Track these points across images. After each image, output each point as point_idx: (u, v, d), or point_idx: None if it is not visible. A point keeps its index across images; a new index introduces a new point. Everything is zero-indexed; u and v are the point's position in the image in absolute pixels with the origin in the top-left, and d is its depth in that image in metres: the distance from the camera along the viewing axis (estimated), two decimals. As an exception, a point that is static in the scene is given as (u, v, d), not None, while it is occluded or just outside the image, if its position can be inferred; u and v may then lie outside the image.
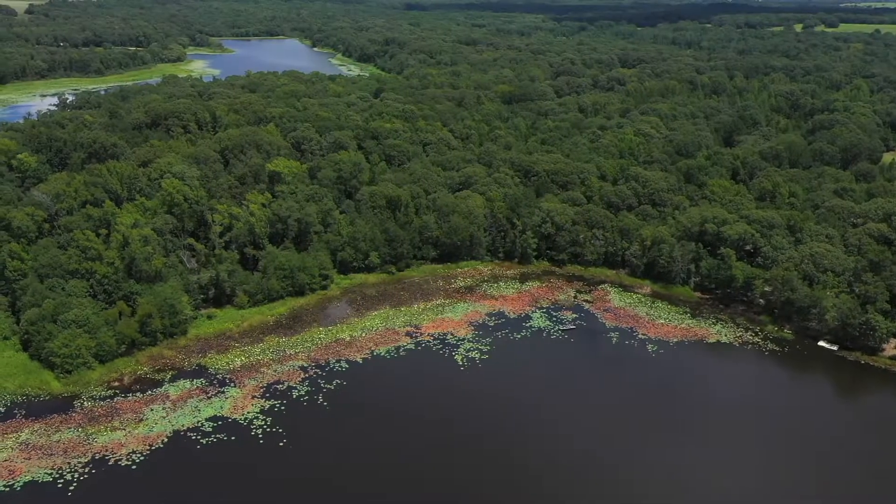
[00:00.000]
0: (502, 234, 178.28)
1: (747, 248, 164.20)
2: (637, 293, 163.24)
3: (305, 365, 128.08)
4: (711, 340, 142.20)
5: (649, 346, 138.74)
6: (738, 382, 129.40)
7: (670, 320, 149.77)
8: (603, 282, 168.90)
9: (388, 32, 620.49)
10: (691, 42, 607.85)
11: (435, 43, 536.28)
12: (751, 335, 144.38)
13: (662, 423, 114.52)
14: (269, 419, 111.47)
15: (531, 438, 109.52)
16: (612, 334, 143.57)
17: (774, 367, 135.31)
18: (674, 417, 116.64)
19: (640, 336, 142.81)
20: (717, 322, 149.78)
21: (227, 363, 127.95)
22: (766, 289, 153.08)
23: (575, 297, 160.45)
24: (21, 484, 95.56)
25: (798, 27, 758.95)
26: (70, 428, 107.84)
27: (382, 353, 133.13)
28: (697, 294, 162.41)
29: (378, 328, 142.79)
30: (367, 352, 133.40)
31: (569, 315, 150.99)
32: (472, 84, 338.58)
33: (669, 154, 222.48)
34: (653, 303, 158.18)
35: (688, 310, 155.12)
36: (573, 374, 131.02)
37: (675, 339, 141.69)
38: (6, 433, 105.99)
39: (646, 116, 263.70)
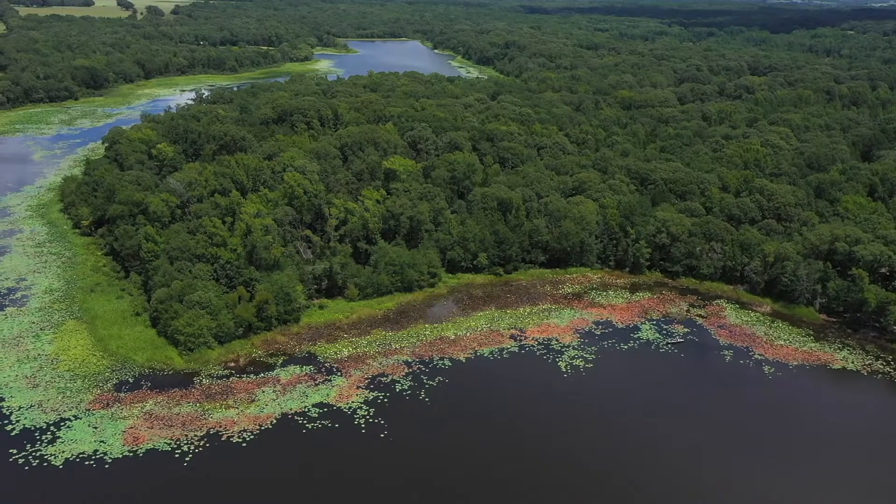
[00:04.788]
0: (614, 241, 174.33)
1: (882, 270, 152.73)
2: (755, 311, 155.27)
3: (410, 360, 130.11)
4: (836, 367, 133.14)
5: (766, 368, 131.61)
6: (865, 414, 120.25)
7: (791, 342, 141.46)
8: (718, 297, 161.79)
9: (508, 35, 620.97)
10: (830, 50, 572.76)
11: (555, 46, 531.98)
12: (881, 364, 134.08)
13: (776, 451, 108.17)
14: (371, 410, 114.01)
15: (630, 454, 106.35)
16: (726, 352, 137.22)
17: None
18: (788, 446, 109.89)
19: (756, 356, 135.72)
20: (843, 347, 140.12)
21: (335, 352, 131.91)
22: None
23: (688, 310, 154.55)
24: (143, 451, 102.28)
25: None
26: (189, 402, 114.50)
27: (486, 354, 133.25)
28: (822, 316, 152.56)
29: (483, 329, 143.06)
30: (471, 351, 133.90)
31: (679, 329, 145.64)
32: (591, 89, 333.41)
33: (799, 167, 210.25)
34: (772, 322, 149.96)
35: (811, 332, 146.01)
36: (681, 390, 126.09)
37: (795, 363, 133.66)
38: (133, 402, 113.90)
39: (775, 127, 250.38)
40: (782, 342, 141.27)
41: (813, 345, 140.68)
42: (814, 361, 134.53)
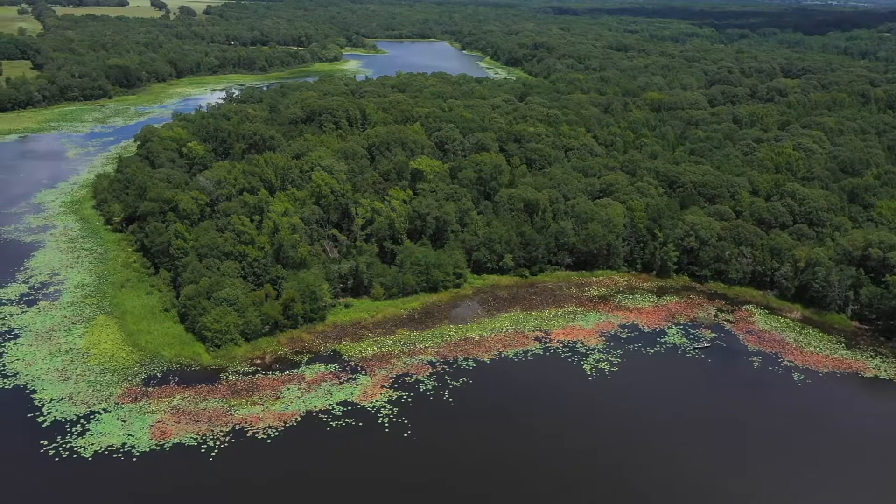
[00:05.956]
0: (641, 244, 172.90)
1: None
2: (785, 317, 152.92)
3: (434, 360, 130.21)
4: (868, 375, 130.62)
5: (795, 375, 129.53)
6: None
7: (821, 349, 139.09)
8: (747, 302, 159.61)
9: (537, 37, 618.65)
10: (865, 52, 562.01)
11: (584, 48, 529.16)
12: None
13: (804, 459, 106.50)
14: (395, 409, 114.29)
15: (655, 459, 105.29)
16: (754, 358, 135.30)
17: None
18: (818, 454, 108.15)
19: (785, 363, 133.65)
20: (875, 355, 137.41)
21: (360, 351, 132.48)
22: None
23: (716, 315, 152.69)
24: (170, 445, 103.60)
25: None
26: (215, 398, 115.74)
27: (510, 356, 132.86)
28: (854, 323, 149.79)
29: (507, 330, 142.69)
30: (495, 352, 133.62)
31: (707, 334, 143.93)
32: (620, 90, 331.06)
33: (832, 171, 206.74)
34: (802, 328, 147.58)
35: (842, 339, 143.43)
36: (708, 396, 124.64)
37: (826, 370, 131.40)
38: (161, 397, 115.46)
39: (808, 130, 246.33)
40: (812, 349, 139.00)
41: (844, 352, 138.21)
42: (845, 369, 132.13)
